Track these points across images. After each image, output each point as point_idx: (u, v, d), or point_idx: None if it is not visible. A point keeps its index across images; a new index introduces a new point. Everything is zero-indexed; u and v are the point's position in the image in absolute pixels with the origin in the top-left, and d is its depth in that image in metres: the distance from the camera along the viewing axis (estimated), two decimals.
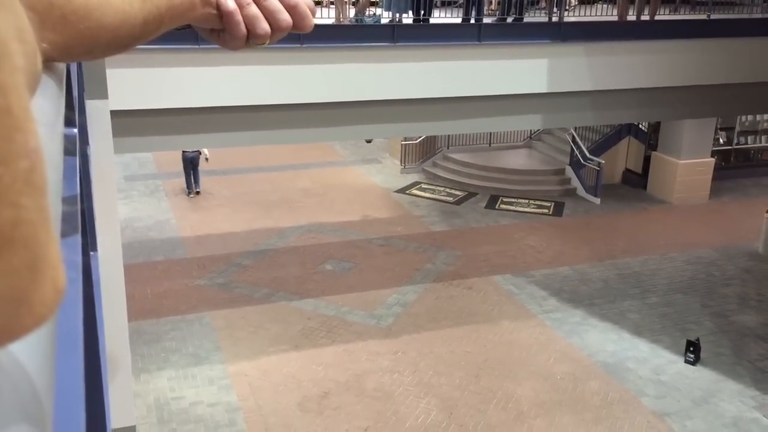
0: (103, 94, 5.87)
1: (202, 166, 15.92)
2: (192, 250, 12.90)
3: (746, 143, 17.48)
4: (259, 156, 18.35)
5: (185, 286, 11.45)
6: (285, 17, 0.82)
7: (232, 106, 8.48)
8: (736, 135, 17.29)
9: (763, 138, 17.55)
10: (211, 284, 11.55)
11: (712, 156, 16.10)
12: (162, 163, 17.55)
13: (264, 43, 0.83)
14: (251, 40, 0.82)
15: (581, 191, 16.34)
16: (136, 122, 8.02)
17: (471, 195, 16.26)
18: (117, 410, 5.48)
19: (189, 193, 15.83)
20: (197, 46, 7.94)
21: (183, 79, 8.16)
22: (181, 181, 16.39)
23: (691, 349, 9.51)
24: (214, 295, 11.14)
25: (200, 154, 15.53)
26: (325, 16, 9.70)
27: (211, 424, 8.04)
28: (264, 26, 0.81)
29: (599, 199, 15.83)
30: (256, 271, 12.11)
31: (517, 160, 17.85)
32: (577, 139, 16.50)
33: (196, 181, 15.90)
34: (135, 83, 7.85)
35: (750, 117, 17.10)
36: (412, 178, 17.38)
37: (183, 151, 15.16)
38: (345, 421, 8.17)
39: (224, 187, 16.46)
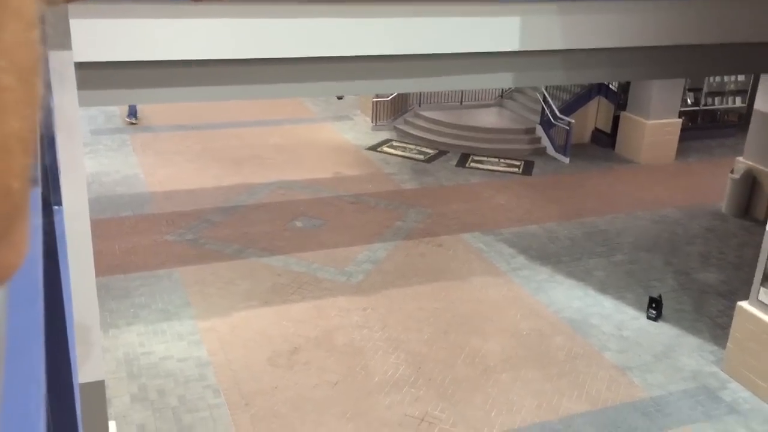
0: (66, 45, 5.72)
1: (164, 119, 15.86)
2: (161, 206, 12.78)
3: (713, 104, 17.69)
4: (229, 112, 18.12)
5: (154, 242, 11.37)
6: None
7: (200, 59, 8.32)
8: (703, 96, 17.48)
9: (730, 99, 17.77)
10: (180, 240, 11.49)
11: (679, 117, 16.28)
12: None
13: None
14: None
15: (551, 150, 16.45)
16: (103, 75, 7.84)
17: (442, 153, 16.28)
18: (85, 365, 5.48)
19: (129, 116, 16.81)
20: None
21: (151, 32, 7.98)
22: (148, 135, 16.18)
23: (653, 305, 9.75)
24: (184, 251, 11.10)
25: None
26: None
27: (181, 379, 8.09)
28: None
29: (568, 159, 15.96)
30: (226, 227, 12.06)
31: (488, 118, 17.87)
32: (548, 98, 16.54)
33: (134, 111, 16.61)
34: (101, 35, 7.66)
35: (717, 78, 17.28)
36: (384, 135, 17.32)
37: None
38: (315, 375, 8.28)
39: (194, 142, 16.26)
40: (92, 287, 5.68)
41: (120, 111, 17.79)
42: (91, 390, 5.53)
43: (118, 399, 7.69)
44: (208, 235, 11.74)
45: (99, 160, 14.73)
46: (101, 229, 11.54)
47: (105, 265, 10.15)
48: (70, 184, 5.13)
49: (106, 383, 7.21)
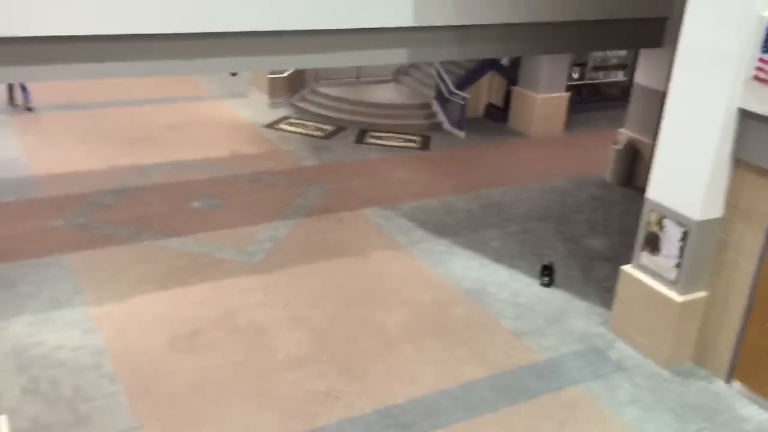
0: None
1: (47, 98, 14.98)
2: (46, 190, 12.16)
3: (598, 79, 18.53)
4: (118, 90, 17.38)
5: (40, 228, 10.83)
6: None
7: (83, 35, 7.93)
8: (588, 71, 18.26)
9: (612, 74, 18.66)
10: (69, 225, 10.99)
11: (566, 91, 16.95)
12: (3, 98, 16.22)
13: None
14: None
15: (447, 125, 16.76)
16: None
17: (340, 129, 16.27)
18: None
19: (12, 104, 15.40)
20: None
21: (27, 5, 7.52)
22: (30, 116, 15.30)
23: (546, 272, 10.19)
24: (73, 237, 10.63)
25: None
26: None
27: (75, 368, 7.79)
28: None
29: (464, 133, 16.33)
30: (118, 210, 11.62)
31: (385, 94, 17.98)
32: (443, 73, 16.81)
33: (25, 92, 15.33)
34: None
35: (601, 54, 18.09)
36: (281, 112, 17.12)
37: None
38: (218, 357, 8.17)
39: (80, 122, 15.51)
40: None
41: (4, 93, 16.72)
42: None
43: (7, 392, 7.33)
44: (100, 218, 11.28)
45: None
46: None
47: None
48: None
49: None
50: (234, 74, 19.59)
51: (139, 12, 8.11)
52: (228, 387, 7.69)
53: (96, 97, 16.91)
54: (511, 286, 10.11)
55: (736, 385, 8.20)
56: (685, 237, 8.05)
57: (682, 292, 8.24)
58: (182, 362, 8.04)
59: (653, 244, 8.42)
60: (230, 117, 16.69)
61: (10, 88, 15.67)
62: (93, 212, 11.48)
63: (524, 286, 10.15)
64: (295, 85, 17.84)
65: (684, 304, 8.25)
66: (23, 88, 15.60)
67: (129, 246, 10.47)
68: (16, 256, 9.96)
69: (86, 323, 8.60)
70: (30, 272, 9.58)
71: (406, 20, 9.70)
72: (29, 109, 15.42)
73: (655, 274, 8.47)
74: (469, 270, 10.46)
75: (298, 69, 17.13)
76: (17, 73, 8.16)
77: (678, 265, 8.18)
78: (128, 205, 11.80)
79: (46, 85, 15.98)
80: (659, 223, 8.31)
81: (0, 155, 13.40)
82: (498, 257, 10.90)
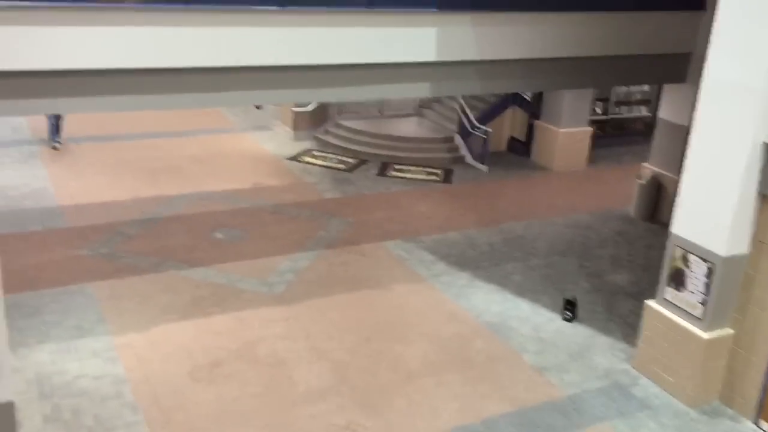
0: None
1: (76, 131, 15.31)
2: (72, 220, 12.34)
3: (620, 113, 18.54)
4: (144, 122, 17.68)
5: (66, 257, 10.97)
6: None
7: (112, 69, 8.12)
8: (611, 105, 18.28)
9: (636, 108, 18.65)
10: (94, 254, 11.12)
11: (589, 125, 16.94)
12: (38, 128, 16.58)
13: None
14: None
15: (469, 159, 16.80)
16: (4, 84, 7.54)
17: (363, 162, 16.38)
18: None
19: (53, 142, 15.61)
20: (73, 4, 7.53)
21: (58, 39, 7.72)
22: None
23: (568, 307, 10.09)
24: (98, 266, 10.74)
25: None
26: None
27: (97, 397, 7.82)
28: None
29: (486, 167, 16.35)
30: (142, 240, 11.75)
31: (408, 128, 18.10)
32: (465, 108, 16.91)
33: (58, 131, 15.50)
34: (2, 42, 7.37)
35: (624, 88, 18.11)
36: (304, 145, 17.28)
37: None
38: (237, 388, 8.16)
39: (107, 153, 15.78)
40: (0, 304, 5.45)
41: (27, 122, 17.08)
42: (1, 412, 5.29)
43: (29, 420, 7.36)
44: (124, 248, 11.40)
45: (5, 172, 14.10)
46: (8, 244, 11.04)
47: (13, 282, 9.72)
48: None
49: (16, 404, 6.91)
50: (259, 107, 19.86)
51: (168, 47, 8.29)
52: (248, 419, 7.66)
53: (122, 129, 17.21)
54: (534, 321, 10.01)
55: (765, 425, 8.00)
56: (710, 273, 7.94)
57: (708, 329, 8.10)
58: (203, 393, 8.03)
59: (678, 279, 8.32)
60: (254, 149, 16.88)
61: (55, 127, 15.73)
62: (118, 242, 11.61)
63: (547, 320, 10.05)
64: (318, 118, 18.03)
65: (710, 342, 8.11)
66: (56, 128, 15.68)
67: (152, 276, 10.56)
68: (41, 284, 10.08)
69: (109, 352, 8.64)
70: (54, 301, 9.68)
71: (429, 55, 9.80)
72: (55, 148, 15.62)
73: (680, 311, 8.35)
74: (490, 303, 10.39)
75: (322, 102, 17.33)
76: (48, 105, 8.35)
77: (704, 302, 8.06)
78: (152, 236, 11.93)
79: (73, 118, 16.29)
80: (684, 259, 8.21)
81: (29, 186, 13.65)
82: (520, 291, 10.82)
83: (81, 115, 16.04)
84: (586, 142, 16.87)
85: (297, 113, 17.57)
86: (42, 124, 16.29)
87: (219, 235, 12.12)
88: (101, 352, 8.64)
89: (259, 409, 7.82)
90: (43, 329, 9.02)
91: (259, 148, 17.01)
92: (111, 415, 7.55)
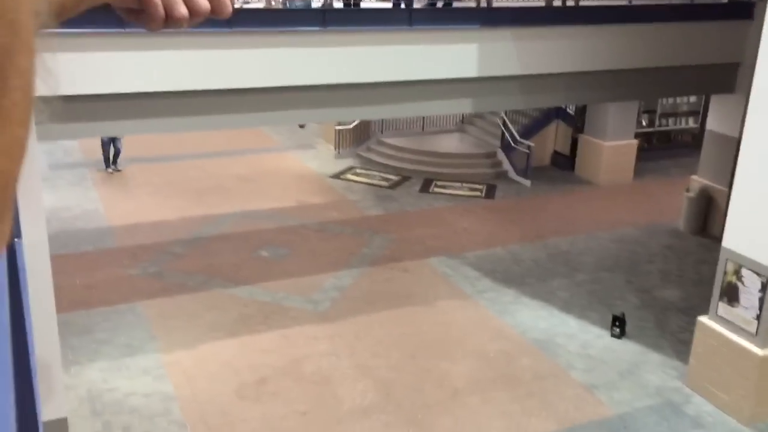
0: None
1: (124, 153, 15.74)
2: (122, 240, 12.62)
3: (667, 125, 18.18)
4: (190, 143, 18.04)
5: (116, 276, 11.21)
6: (203, 2, 0.85)
7: (160, 91, 8.32)
8: (657, 117, 17.95)
9: (683, 120, 18.28)
10: (143, 273, 11.34)
11: (635, 138, 16.68)
12: (88, 150, 17.05)
13: (182, 26, 0.85)
14: (169, 22, 0.84)
15: (512, 174, 16.69)
16: (65, 108, 7.78)
17: (405, 179, 16.40)
18: (47, 403, 5.37)
19: (107, 167, 15.82)
20: (123, 30, 7.75)
21: (109, 64, 7.96)
22: (108, 169, 16.02)
23: (617, 323, 9.89)
24: (147, 285, 10.95)
25: None
26: (255, 0, 9.60)
27: (146, 414, 7.94)
28: (181, 10, 0.83)
29: (530, 181, 16.21)
30: (189, 259, 11.94)
31: (450, 143, 18.09)
32: (508, 122, 16.83)
33: (116, 156, 15.83)
34: (57, 68, 7.61)
35: (670, 100, 17.78)
36: (347, 163, 17.40)
37: None
38: (283, 405, 8.20)
39: (155, 174, 16.13)
40: (53, 323, 5.58)
41: (79, 145, 17.58)
42: (54, 428, 5.41)
43: None
44: (172, 267, 11.61)
45: (58, 194, 14.52)
46: (61, 264, 11.33)
47: (65, 301, 9.96)
48: (29, 219, 5.07)
49: (68, 421, 7.06)
50: (302, 126, 20.08)
51: (214, 69, 8.46)
52: None
53: (169, 151, 17.58)
54: (581, 338, 9.84)
55: None
56: (764, 288, 7.71)
57: (764, 346, 7.85)
58: (249, 410, 8.09)
59: (731, 295, 8.10)
60: (298, 168, 17.06)
61: (108, 151, 16.08)
62: (166, 261, 11.82)
63: (595, 337, 9.87)
64: (360, 136, 18.15)
65: (765, 358, 7.86)
66: (115, 153, 16.01)
67: (199, 294, 10.71)
68: (92, 303, 10.32)
69: (158, 370, 8.78)
70: (105, 319, 9.89)
71: (470, 71, 9.80)
72: (117, 170, 16.03)
73: (734, 327, 8.12)
74: (537, 320, 10.25)
75: (364, 120, 17.45)
76: (100, 129, 8.59)
77: (758, 317, 7.82)
78: (199, 254, 12.12)
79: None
80: (737, 273, 8.00)
81: (80, 207, 14.02)
82: (567, 307, 10.66)
83: (128, 138, 16.44)
84: (632, 155, 16.59)
85: (339, 131, 17.72)
86: (92, 146, 16.74)
87: (264, 253, 12.25)
88: (151, 369, 8.78)
89: (305, 427, 7.84)
90: (94, 347, 9.22)
91: (302, 166, 17.18)
92: None
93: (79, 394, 8.25)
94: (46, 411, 5.29)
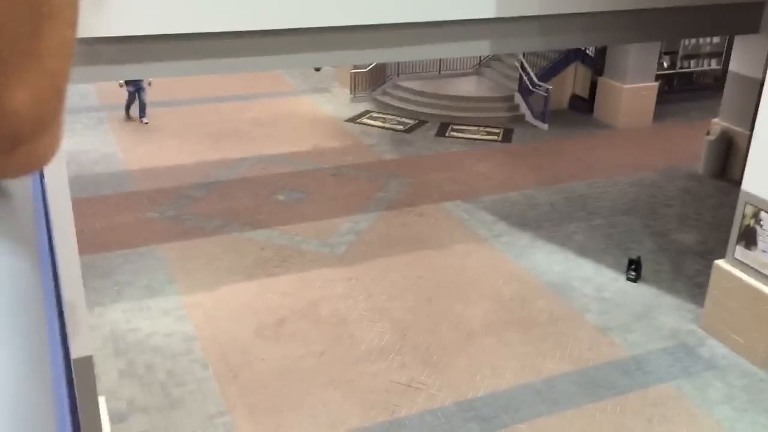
0: None
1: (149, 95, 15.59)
2: (140, 184, 12.72)
3: (689, 67, 17.81)
4: (206, 87, 17.95)
5: (135, 220, 11.35)
6: None
7: (175, 34, 8.24)
8: (679, 59, 17.59)
9: (705, 62, 17.89)
10: (161, 217, 11.47)
11: (656, 80, 16.39)
12: (105, 94, 17.05)
13: None
14: None
15: (530, 117, 16.52)
16: (90, 52, 7.75)
17: (421, 123, 16.30)
18: (73, 341, 5.52)
19: (127, 116, 15.79)
20: None
21: (124, 5, 7.88)
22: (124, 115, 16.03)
23: (633, 267, 9.92)
24: (166, 228, 11.08)
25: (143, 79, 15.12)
26: None
27: (168, 353, 8.14)
28: None
29: (547, 125, 16.05)
30: (207, 203, 12.04)
31: (467, 87, 17.87)
32: (526, 65, 16.56)
33: (143, 110, 15.65)
34: (84, 10, 7.55)
35: (693, 41, 17.38)
36: (363, 107, 17.28)
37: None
38: (301, 346, 8.37)
39: (171, 119, 16.13)
40: (76, 264, 5.69)
41: (95, 89, 17.56)
42: (81, 366, 5.58)
43: (106, 375, 7.74)
44: (190, 211, 11.72)
45: (76, 138, 14.59)
46: (81, 207, 11.47)
47: (87, 244, 10.12)
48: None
49: (93, 360, 7.26)
50: (318, 69, 19.90)
51: (230, 12, 8.36)
52: (311, 375, 7.87)
53: (185, 95, 17.53)
54: (596, 281, 9.89)
55: None
56: None
57: None
58: (268, 350, 8.27)
59: (749, 238, 8.07)
60: (313, 112, 16.98)
61: (132, 101, 15.84)
62: (184, 205, 11.93)
63: (610, 280, 9.91)
64: (376, 79, 17.97)
65: None
66: (142, 105, 15.70)
67: (217, 237, 10.84)
68: (113, 246, 10.48)
69: (178, 311, 8.96)
70: (126, 262, 10.06)
71: (488, 12, 9.61)
72: (144, 123, 15.72)
73: (750, 270, 8.12)
74: (552, 264, 10.30)
75: (380, 63, 17.25)
76: (123, 71, 8.57)
77: None
78: (216, 198, 12.21)
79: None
80: (756, 217, 7.95)
81: (99, 151, 14.10)
82: (582, 251, 10.69)
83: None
84: (652, 98, 16.34)
85: (355, 74, 17.55)
86: (109, 90, 16.72)
87: (281, 197, 12.32)
88: (171, 310, 8.97)
89: (323, 367, 8.01)
90: (116, 289, 9.41)
91: (318, 110, 17.10)
92: (182, 371, 7.86)
93: (103, 334, 8.46)
94: (74, 349, 5.44)
